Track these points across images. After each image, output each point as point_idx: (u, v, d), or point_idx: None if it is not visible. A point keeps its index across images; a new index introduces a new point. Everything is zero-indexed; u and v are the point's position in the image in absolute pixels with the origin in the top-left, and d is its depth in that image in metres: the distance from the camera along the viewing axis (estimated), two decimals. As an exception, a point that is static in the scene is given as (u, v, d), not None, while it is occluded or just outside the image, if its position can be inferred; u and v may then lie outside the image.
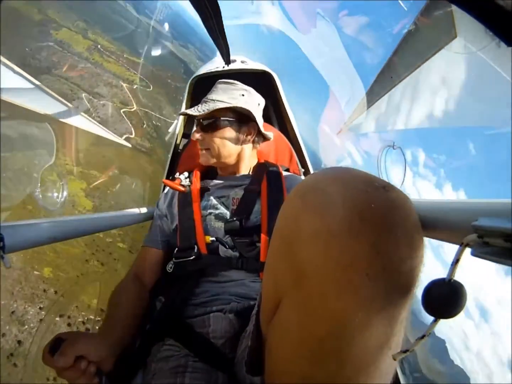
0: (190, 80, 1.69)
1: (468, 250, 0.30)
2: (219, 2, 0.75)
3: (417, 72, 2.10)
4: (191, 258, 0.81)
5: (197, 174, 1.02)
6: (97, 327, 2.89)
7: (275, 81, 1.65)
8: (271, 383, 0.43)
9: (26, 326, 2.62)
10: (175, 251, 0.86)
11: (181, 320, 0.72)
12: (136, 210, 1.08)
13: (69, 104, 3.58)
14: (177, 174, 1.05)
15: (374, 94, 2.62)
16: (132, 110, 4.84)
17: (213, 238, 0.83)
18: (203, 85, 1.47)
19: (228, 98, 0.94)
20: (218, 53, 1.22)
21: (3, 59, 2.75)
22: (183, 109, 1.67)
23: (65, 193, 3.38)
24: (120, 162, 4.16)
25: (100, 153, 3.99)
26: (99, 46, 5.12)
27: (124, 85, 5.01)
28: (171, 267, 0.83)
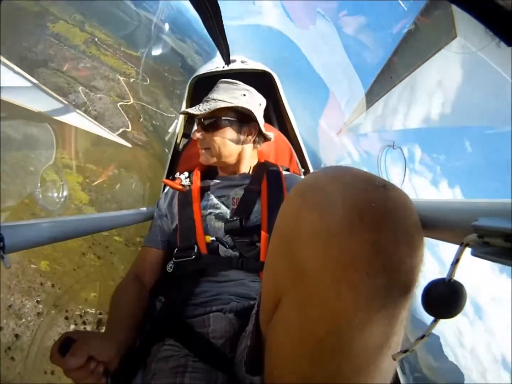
0: (190, 80, 1.69)
1: (468, 250, 0.30)
2: (219, 2, 0.75)
3: (417, 72, 2.10)
4: (191, 258, 0.81)
5: (197, 173, 1.02)
6: (94, 320, 2.90)
7: (275, 81, 1.65)
8: (270, 383, 0.43)
9: (24, 320, 2.62)
10: (175, 251, 0.86)
11: (181, 320, 0.72)
12: (136, 210, 1.08)
13: (65, 102, 3.57)
14: (177, 174, 1.05)
15: (374, 94, 2.62)
16: (129, 103, 4.83)
17: (213, 238, 0.83)
18: (203, 85, 1.47)
19: (230, 98, 0.94)
20: (218, 53, 1.22)
21: (3, 59, 2.75)
22: (183, 109, 1.67)
23: (65, 193, 3.38)
24: (116, 155, 4.15)
25: (97, 147, 3.97)
26: (96, 39, 5.10)
27: (121, 78, 4.99)
28: (171, 267, 0.83)
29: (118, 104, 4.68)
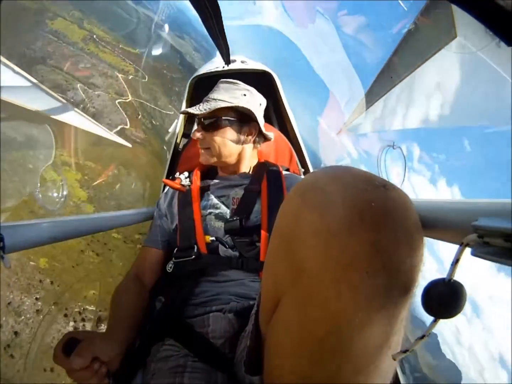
0: (190, 80, 1.69)
1: (468, 250, 0.30)
2: (219, 2, 0.75)
3: (417, 72, 2.10)
4: (191, 258, 0.80)
5: (197, 173, 1.02)
6: (93, 317, 2.90)
7: (275, 81, 1.65)
8: (270, 382, 0.43)
9: (23, 317, 2.62)
10: (175, 251, 0.86)
11: (181, 320, 0.72)
12: (136, 210, 1.08)
13: (64, 101, 3.56)
14: (177, 173, 1.05)
15: (374, 94, 2.62)
16: (127, 100, 4.82)
17: (213, 238, 0.83)
18: (203, 85, 1.47)
19: (230, 98, 0.94)
20: (218, 53, 1.22)
21: (3, 59, 2.75)
22: (183, 109, 1.67)
23: (65, 192, 3.38)
24: (115, 153, 4.15)
25: (95, 145, 3.97)
26: (94, 36, 5.09)
27: (120, 75, 4.99)
28: (171, 267, 0.83)
29: (117, 101, 4.67)
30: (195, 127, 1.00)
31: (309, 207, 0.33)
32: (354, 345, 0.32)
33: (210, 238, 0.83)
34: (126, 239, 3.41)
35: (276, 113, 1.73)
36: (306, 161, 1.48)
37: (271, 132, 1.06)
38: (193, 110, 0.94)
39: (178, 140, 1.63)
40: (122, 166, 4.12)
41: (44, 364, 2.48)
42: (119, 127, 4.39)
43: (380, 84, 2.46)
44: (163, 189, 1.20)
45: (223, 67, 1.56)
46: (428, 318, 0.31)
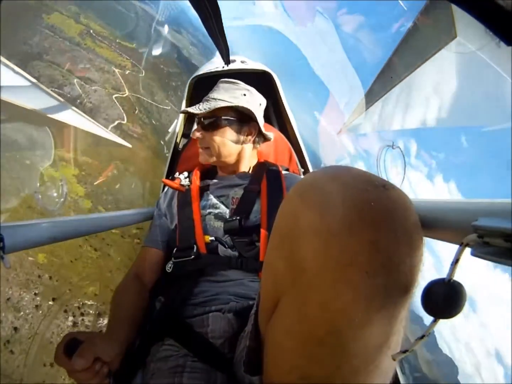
0: (189, 80, 1.69)
1: (468, 250, 0.30)
2: (219, 2, 0.75)
3: (417, 72, 2.10)
4: (191, 257, 0.80)
5: (197, 173, 1.02)
6: (92, 312, 2.91)
7: (275, 81, 1.64)
8: (269, 382, 0.43)
9: (22, 313, 2.63)
10: (174, 251, 0.86)
11: (180, 320, 0.72)
12: (136, 210, 1.08)
13: (62, 100, 3.55)
14: (177, 173, 1.05)
15: (374, 94, 2.62)
16: (124, 95, 4.82)
17: (213, 238, 0.83)
18: (203, 85, 1.47)
19: (230, 97, 0.94)
20: (217, 53, 1.22)
21: (3, 59, 2.75)
22: (183, 109, 1.67)
23: (65, 191, 3.38)
24: (112, 148, 4.14)
25: (92, 140, 3.96)
26: (91, 31, 5.07)
27: (117, 70, 4.98)
28: (170, 267, 0.83)
29: (114, 96, 4.66)
30: (195, 126, 1.00)
31: (309, 206, 0.33)
32: (353, 345, 0.32)
33: (209, 238, 0.83)
34: (123, 234, 3.42)
35: (276, 113, 1.73)
36: (305, 161, 1.48)
37: (271, 132, 1.06)
38: (193, 109, 0.94)
39: (178, 140, 1.63)
40: (119, 161, 4.12)
41: (44, 359, 2.48)
42: (116, 122, 4.39)
43: (380, 84, 2.46)
44: (163, 189, 1.20)
45: (223, 67, 1.56)
46: (427, 317, 0.31)
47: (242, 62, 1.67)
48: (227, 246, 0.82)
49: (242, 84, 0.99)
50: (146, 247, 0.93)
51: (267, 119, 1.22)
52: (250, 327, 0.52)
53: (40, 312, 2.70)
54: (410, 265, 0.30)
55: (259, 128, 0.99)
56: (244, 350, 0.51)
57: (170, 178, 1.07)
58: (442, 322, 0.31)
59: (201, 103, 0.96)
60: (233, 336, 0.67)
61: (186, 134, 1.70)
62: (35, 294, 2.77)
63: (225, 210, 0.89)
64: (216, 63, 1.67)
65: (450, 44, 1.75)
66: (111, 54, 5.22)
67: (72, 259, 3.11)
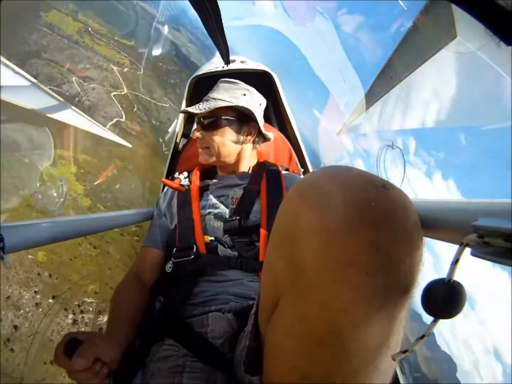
0: (189, 80, 1.69)
1: (468, 250, 0.30)
2: (218, 2, 0.75)
3: (417, 72, 2.10)
4: (190, 257, 0.80)
5: (196, 173, 1.02)
6: (91, 309, 2.91)
7: (275, 81, 1.64)
8: (269, 382, 0.43)
9: (22, 311, 2.63)
10: (174, 251, 0.86)
11: (180, 320, 0.72)
12: (136, 210, 1.08)
13: (61, 99, 3.54)
14: (177, 173, 1.05)
15: (374, 94, 2.62)
16: (123, 93, 4.81)
17: (212, 238, 0.83)
18: (203, 85, 1.47)
19: (230, 97, 0.94)
20: (217, 53, 1.22)
21: (3, 59, 2.75)
22: (182, 108, 1.67)
23: (65, 192, 3.38)
24: (111, 146, 4.13)
25: (91, 138, 3.95)
26: (89, 28, 5.06)
27: (115, 68, 4.97)
28: (170, 267, 0.83)
29: (112, 94, 4.66)
30: (195, 126, 1.00)
31: (309, 206, 0.33)
32: (353, 345, 0.32)
33: (209, 238, 0.83)
34: (123, 231, 3.42)
35: (276, 113, 1.73)
36: (305, 161, 1.48)
37: (271, 132, 1.06)
38: (193, 109, 0.94)
39: (178, 140, 1.63)
40: (118, 159, 4.11)
41: (44, 357, 2.49)
42: (114, 120, 4.38)
43: (380, 84, 2.46)
44: (163, 189, 1.20)
45: (223, 67, 1.56)
46: (426, 315, 0.31)
47: (242, 62, 1.67)
48: (226, 246, 0.82)
49: (242, 84, 0.99)
50: (146, 247, 0.93)
51: (267, 119, 1.22)
52: (250, 327, 0.52)
53: (40, 310, 2.70)
54: (410, 265, 0.30)
55: (259, 128, 0.99)
56: (244, 350, 0.51)
57: (169, 178, 1.07)
58: (441, 320, 0.31)
59: (201, 103, 0.96)
60: (233, 336, 0.67)
61: (186, 134, 1.70)
62: (35, 292, 2.77)
63: (224, 210, 0.89)
64: (216, 63, 1.67)
65: (450, 44, 1.75)
66: (109, 52, 5.21)
67: (72, 257, 3.12)
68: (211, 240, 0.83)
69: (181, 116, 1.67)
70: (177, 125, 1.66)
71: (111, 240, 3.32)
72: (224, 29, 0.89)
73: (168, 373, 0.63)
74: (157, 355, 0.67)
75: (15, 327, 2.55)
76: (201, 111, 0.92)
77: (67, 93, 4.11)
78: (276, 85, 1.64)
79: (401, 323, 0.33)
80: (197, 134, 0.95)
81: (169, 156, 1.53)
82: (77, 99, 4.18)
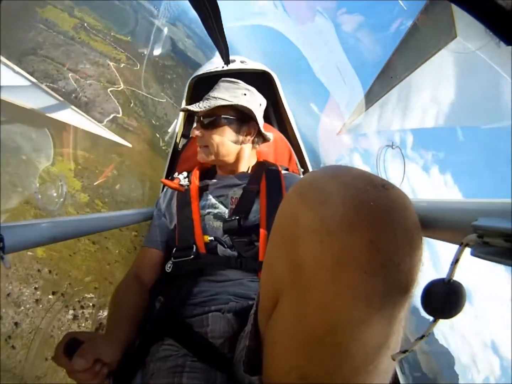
0: (189, 80, 1.69)
1: (468, 250, 0.30)
2: (218, 2, 0.75)
3: (417, 72, 2.10)
4: (190, 257, 0.80)
5: (196, 173, 1.02)
6: (91, 304, 2.91)
7: (275, 81, 1.64)
8: (269, 382, 0.43)
9: (22, 308, 2.64)
10: (173, 251, 0.86)
11: (180, 320, 0.72)
12: (136, 210, 1.08)
13: (61, 98, 3.54)
14: (176, 174, 1.05)
15: (374, 94, 2.62)
16: (119, 89, 4.81)
17: (212, 238, 0.83)
18: (203, 85, 1.47)
19: (230, 97, 0.94)
20: (217, 53, 1.22)
21: (3, 59, 2.75)
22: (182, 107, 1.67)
23: (64, 192, 3.38)
24: (108, 142, 4.14)
25: (88, 134, 3.96)
26: (85, 24, 5.05)
27: (111, 64, 4.97)
28: (170, 267, 0.83)
29: (109, 90, 4.66)
30: (195, 124, 1.00)
31: (308, 206, 0.33)
32: (353, 344, 0.32)
33: (208, 238, 0.83)
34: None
35: (276, 113, 1.73)
36: (305, 161, 1.48)
37: (270, 133, 1.06)
38: (193, 107, 0.94)
39: (177, 140, 1.63)
40: (115, 155, 4.11)
41: (45, 353, 2.49)
42: (111, 116, 4.39)
43: (380, 84, 2.46)
44: (163, 189, 1.20)
45: (223, 67, 1.56)
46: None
47: (241, 62, 1.67)
48: (226, 246, 0.82)
49: (242, 84, 0.99)
50: (146, 247, 0.93)
51: (267, 119, 1.21)
52: (249, 327, 0.52)
53: (41, 306, 2.71)
54: (409, 265, 0.30)
55: (259, 128, 0.99)
56: (244, 350, 0.51)
57: (169, 178, 1.07)
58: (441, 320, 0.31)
59: (201, 102, 0.96)
60: (233, 336, 0.67)
61: (185, 134, 1.70)
62: (35, 288, 2.77)
63: (224, 210, 0.89)
64: (216, 63, 1.67)
65: (450, 44, 1.75)
66: (105, 48, 5.21)
67: (71, 252, 3.13)
68: (211, 240, 0.83)
69: (181, 116, 1.66)
70: (177, 125, 1.66)
71: (109, 236, 3.34)
72: (224, 29, 0.89)
73: (168, 373, 0.63)
74: (157, 355, 0.67)
75: (16, 324, 2.55)
76: (201, 109, 0.92)
77: (64, 90, 4.10)
78: (276, 85, 1.64)
79: (401, 323, 0.33)
80: (197, 132, 0.95)
81: (169, 156, 1.53)
82: (73, 95, 4.17)
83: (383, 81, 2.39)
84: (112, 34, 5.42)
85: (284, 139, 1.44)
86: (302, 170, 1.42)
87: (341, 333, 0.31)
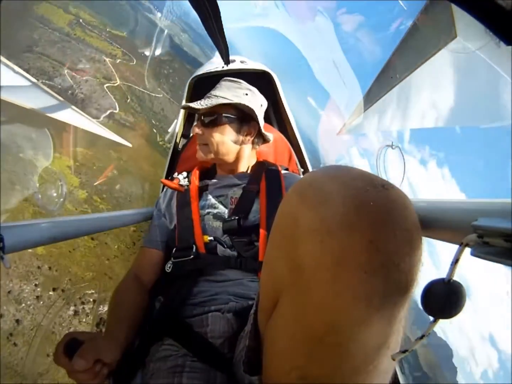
0: (189, 80, 1.69)
1: (467, 250, 0.30)
2: (219, 3, 0.74)
3: (417, 72, 2.10)
4: (190, 257, 0.80)
5: (196, 173, 1.02)
6: (91, 299, 2.91)
7: (275, 81, 1.64)
8: (269, 382, 0.43)
9: (23, 304, 2.64)
10: (173, 251, 0.86)
11: (180, 320, 0.72)
12: (136, 210, 1.08)
13: (61, 98, 3.54)
14: (176, 174, 1.05)
15: (373, 94, 2.62)
16: (115, 85, 4.81)
17: (211, 238, 0.83)
18: (203, 85, 1.47)
19: (232, 96, 0.94)
20: (217, 53, 1.22)
21: (3, 59, 2.75)
22: (182, 110, 1.67)
23: (64, 192, 3.38)
24: (105, 138, 4.13)
25: (85, 131, 3.95)
26: (81, 20, 5.03)
27: (107, 59, 4.96)
28: (169, 267, 0.83)
29: (105, 86, 4.65)
30: (196, 123, 1.00)
31: (308, 206, 0.33)
32: (353, 344, 0.32)
33: (208, 238, 0.83)
34: None
35: (276, 113, 1.73)
36: (305, 161, 1.48)
37: (271, 133, 1.06)
38: (194, 104, 0.94)
39: (177, 140, 1.63)
40: (113, 151, 4.11)
41: (47, 350, 2.50)
42: (108, 112, 4.38)
43: (380, 84, 2.46)
44: (162, 189, 1.20)
45: (223, 67, 1.56)
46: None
47: (241, 62, 1.67)
48: (226, 246, 0.82)
49: (244, 84, 0.99)
50: (145, 247, 0.93)
51: (267, 119, 1.21)
52: (249, 327, 0.52)
53: (41, 303, 2.71)
54: (409, 265, 0.30)
55: (259, 128, 0.99)
56: (244, 350, 0.51)
57: (169, 178, 1.07)
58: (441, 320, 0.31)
59: (202, 100, 0.96)
60: (233, 336, 0.67)
61: (185, 134, 1.70)
62: (36, 285, 2.77)
63: (224, 210, 0.89)
64: (215, 63, 1.67)
65: (450, 44, 1.75)
66: (101, 44, 5.20)
67: (71, 249, 3.14)
68: (211, 240, 0.83)
69: (181, 116, 1.66)
70: (177, 125, 1.66)
71: (108, 231, 3.34)
72: (225, 30, 0.88)
73: (168, 373, 0.63)
74: (157, 355, 0.67)
75: (17, 321, 2.56)
76: (203, 107, 0.92)
77: (60, 86, 4.09)
78: (276, 85, 1.64)
79: (401, 323, 0.33)
80: (197, 130, 0.95)
81: (169, 156, 1.53)
82: (70, 92, 4.17)
83: (383, 81, 2.39)
84: (108, 30, 5.41)
85: (284, 139, 1.44)
86: (302, 170, 1.42)
87: (341, 333, 0.31)
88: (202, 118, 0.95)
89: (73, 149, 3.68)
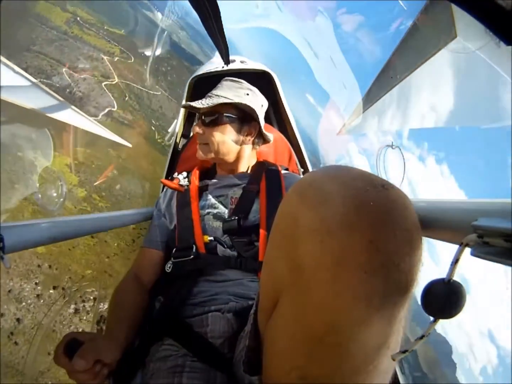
0: (189, 80, 1.69)
1: (467, 250, 0.30)
2: (219, 3, 0.74)
3: (417, 72, 2.10)
4: (190, 257, 0.80)
5: (196, 173, 1.02)
6: (92, 297, 2.92)
7: (275, 81, 1.64)
8: (269, 382, 0.43)
9: (24, 303, 2.64)
10: (173, 251, 0.86)
11: (180, 320, 0.72)
12: (136, 210, 1.08)
13: (61, 99, 3.53)
14: (176, 174, 1.05)
15: (373, 94, 2.62)
16: (114, 83, 4.79)
17: (211, 238, 0.83)
18: (203, 85, 1.47)
19: (233, 95, 0.94)
20: (217, 53, 1.21)
21: (3, 59, 2.75)
22: (182, 110, 1.67)
23: (64, 192, 3.38)
24: (103, 136, 4.12)
25: (84, 130, 3.94)
26: (78, 18, 5.02)
27: (105, 57, 4.94)
28: (169, 267, 0.83)
29: (103, 84, 4.64)
30: (196, 122, 1.00)
31: (308, 206, 0.33)
32: (353, 344, 0.32)
33: (208, 238, 0.83)
34: None
35: (276, 113, 1.73)
36: (305, 161, 1.48)
37: (271, 134, 1.06)
38: (196, 104, 0.94)
39: (177, 140, 1.63)
40: (111, 149, 4.10)
41: (48, 348, 2.50)
42: (106, 110, 4.37)
43: (380, 84, 2.46)
44: (162, 189, 1.20)
45: (223, 67, 1.56)
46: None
47: (241, 62, 1.67)
48: (226, 246, 0.82)
49: (245, 84, 0.99)
50: (145, 247, 0.93)
51: (267, 119, 1.21)
52: (249, 327, 0.52)
53: (42, 301, 2.71)
54: (409, 265, 0.30)
55: (260, 128, 0.99)
56: (244, 350, 0.51)
57: (169, 178, 1.07)
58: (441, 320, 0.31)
59: (203, 99, 0.96)
60: (233, 336, 0.67)
61: (185, 134, 1.70)
62: (36, 284, 2.78)
63: (224, 210, 0.89)
64: (215, 63, 1.67)
65: (450, 44, 1.75)
66: (99, 41, 5.18)
67: (70, 247, 3.13)
68: (211, 240, 0.83)
69: (181, 116, 1.66)
70: (177, 125, 1.66)
71: None
72: (226, 30, 0.88)
73: (168, 373, 0.63)
74: (157, 355, 0.67)
75: (18, 320, 2.56)
76: (204, 106, 0.92)
77: (58, 85, 4.07)
78: (276, 85, 1.64)
79: (401, 323, 0.33)
80: (198, 129, 0.95)
81: (169, 156, 1.53)
82: (68, 90, 4.15)
83: (383, 81, 2.39)
84: (105, 27, 5.39)
85: (284, 139, 1.44)
86: (302, 170, 1.42)
87: (341, 333, 0.31)
88: (203, 117, 0.95)
89: (72, 148, 3.67)
